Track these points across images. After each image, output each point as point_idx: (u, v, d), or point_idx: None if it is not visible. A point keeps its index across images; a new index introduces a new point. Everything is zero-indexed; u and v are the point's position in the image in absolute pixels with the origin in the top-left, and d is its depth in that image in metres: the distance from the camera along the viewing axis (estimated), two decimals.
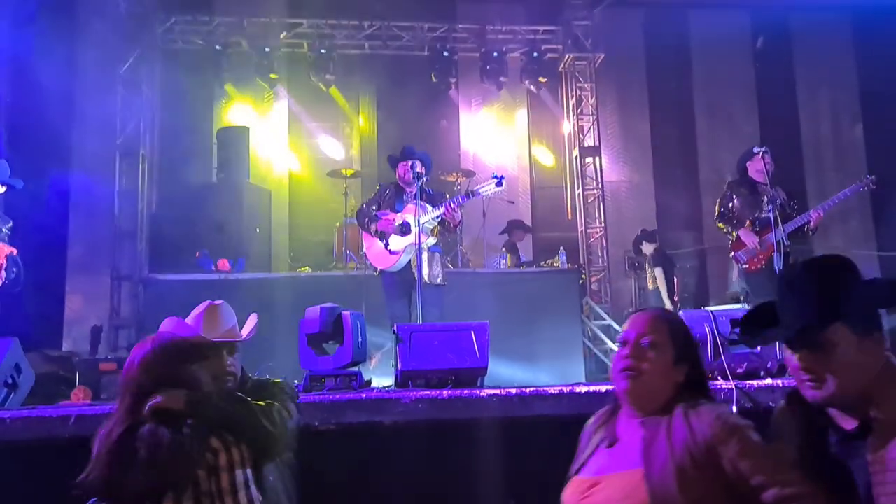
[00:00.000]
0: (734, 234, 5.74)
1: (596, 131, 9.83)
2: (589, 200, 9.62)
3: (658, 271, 8.51)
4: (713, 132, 10.62)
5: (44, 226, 9.45)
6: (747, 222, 5.68)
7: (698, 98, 10.76)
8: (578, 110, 9.90)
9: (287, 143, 9.73)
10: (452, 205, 5.05)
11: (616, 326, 8.33)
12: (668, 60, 10.59)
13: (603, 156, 9.92)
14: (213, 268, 7.01)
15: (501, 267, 7.38)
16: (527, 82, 9.93)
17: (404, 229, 4.98)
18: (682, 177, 10.51)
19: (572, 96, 9.95)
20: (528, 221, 9.92)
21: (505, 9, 10.21)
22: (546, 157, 10.22)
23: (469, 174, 8.28)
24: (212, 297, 6.68)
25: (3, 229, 5.23)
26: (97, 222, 9.35)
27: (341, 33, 9.71)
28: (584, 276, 7.54)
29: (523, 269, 7.34)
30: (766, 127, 10.75)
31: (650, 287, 8.26)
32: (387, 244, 5.09)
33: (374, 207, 5.32)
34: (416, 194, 4.94)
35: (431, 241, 5.13)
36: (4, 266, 4.96)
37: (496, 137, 10.10)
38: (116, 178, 9.17)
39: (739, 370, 4.04)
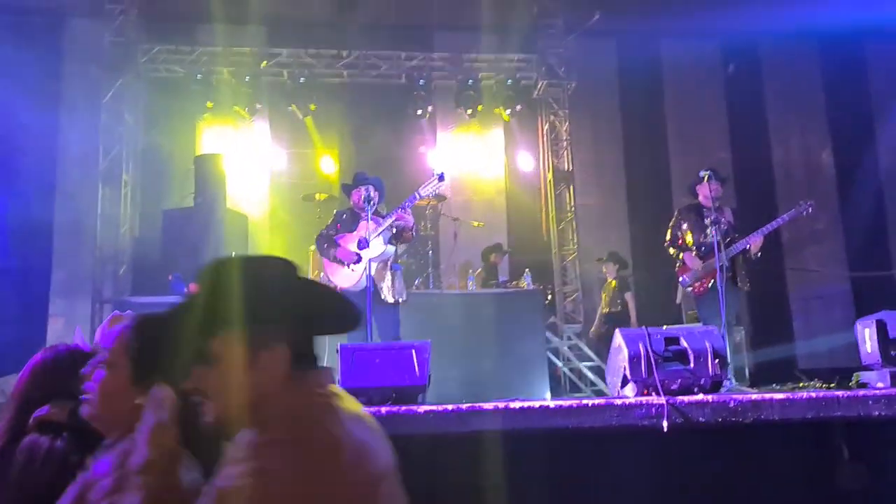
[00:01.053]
0: (680, 257, 5.94)
1: (569, 157, 10.06)
2: (562, 224, 9.84)
3: (629, 296, 8.71)
4: (686, 157, 10.81)
5: (28, 251, 9.69)
6: (693, 247, 5.88)
7: (671, 124, 10.99)
8: (552, 136, 10.15)
9: (268, 168, 9.95)
10: (401, 209, 5.21)
11: (582, 346, 8.55)
12: (640, 87, 10.82)
13: (577, 180, 10.15)
14: (186, 290, 7.17)
15: (470, 288, 7.58)
16: (502, 108, 10.17)
17: (361, 245, 5.15)
18: (656, 201, 10.68)
19: (546, 122, 10.21)
20: (504, 243, 10.14)
21: (481, 38, 10.45)
22: (521, 182, 10.43)
23: (440, 198, 8.51)
24: None
25: None
26: (80, 247, 9.56)
27: (320, 62, 9.98)
28: (550, 297, 7.73)
29: (489, 290, 7.52)
30: (738, 152, 10.97)
31: (614, 310, 8.46)
32: (347, 263, 5.25)
33: (332, 232, 5.49)
34: (368, 217, 5.10)
35: (390, 248, 5.28)
36: None
37: (472, 163, 10.32)
38: (99, 204, 9.40)
39: (673, 386, 4.20)
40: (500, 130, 10.46)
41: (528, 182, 10.42)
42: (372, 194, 5.44)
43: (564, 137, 10.11)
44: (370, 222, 5.12)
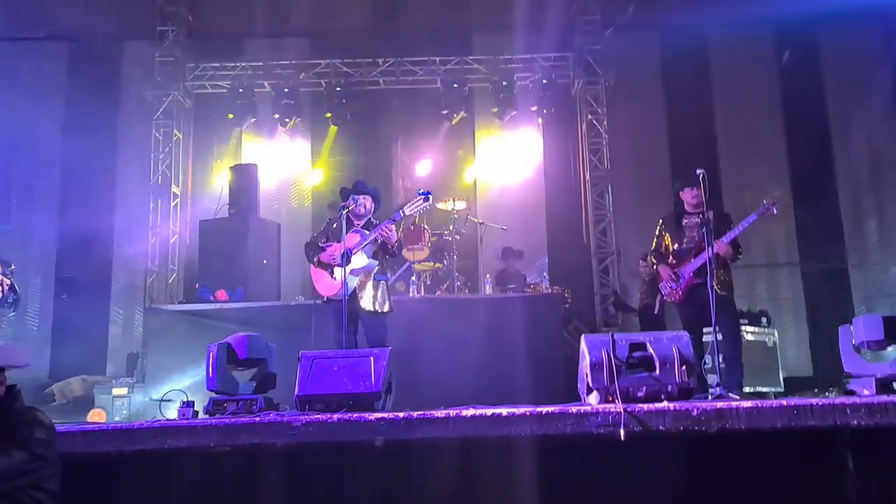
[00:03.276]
0: (656, 268, 5.75)
1: (607, 156, 9.84)
2: (600, 226, 9.63)
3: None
4: (736, 153, 10.37)
5: (92, 262, 10.31)
6: (671, 256, 5.67)
7: (721, 118, 10.52)
8: (591, 134, 9.94)
9: (307, 177, 10.23)
10: (386, 226, 5.27)
11: None
12: (686, 81, 10.44)
13: (617, 180, 9.90)
14: (211, 298, 7.45)
15: (486, 292, 7.53)
16: (539, 108, 10.05)
17: (346, 256, 5.22)
18: (707, 198, 10.27)
19: (584, 121, 10.01)
20: (544, 245, 10.02)
21: (517, 38, 10.33)
22: (560, 182, 10.26)
23: (467, 202, 8.50)
24: (203, 324, 7.12)
25: (7, 272, 5.76)
26: (136, 257, 10.08)
27: (357, 71, 10.16)
28: (568, 300, 7.58)
29: (499, 295, 7.45)
30: (794, 144, 10.43)
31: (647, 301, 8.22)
32: (331, 272, 5.36)
33: (322, 240, 5.60)
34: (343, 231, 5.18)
35: (373, 262, 5.34)
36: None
37: (510, 164, 10.25)
38: (150, 216, 9.91)
39: (639, 394, 4.06)
40: (539, 131, 10.32)
41: (567, 183, 10.24)
42: (368, 205, 5.54)
43: (603, 136, 9.88)
44: (347, 235, 5.20)
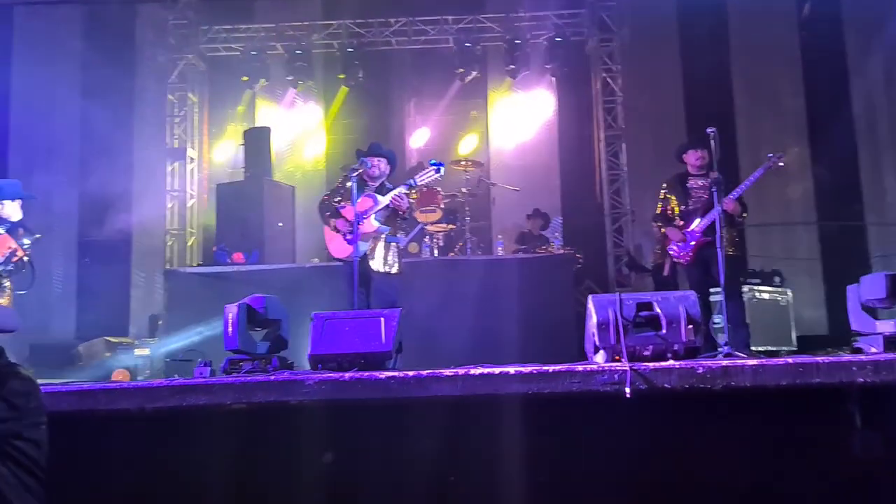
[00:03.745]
0: (663, 231, 5.75)
1: (622, 114, 9.76)
2: (615, 185, 9.60)
3: None
4: (754, 109, 10.25)
5: (112, 227, 10.45)
6: (677, 218, 5.66)
7: (738, 74, 10.37)
8: (605, 93, 9.86)
9: (320, 140, 10.26)
10: (398, 193, 5.34)
11: None
12: (703, 36, 10.25)
13: (632, 139, 9.83)
14: (228, 260, 7.57)
15: (498, 254, 7.58)
16: (553, 67, 9.97)
17: (357, 220, 5.28)
18: (721, 157, 10.19)
19: (598, 80, 9.91)
20: (557, 206, 10.02)
21: None
22: (574, 142, 10.22)
23: (478, 164, 8.50)
24: (221, 286, 7.24)
25: (27, 241, 5.79)
26: (155, 221, 10.21)
27: (369, 31, 10.10)
28: (581, 260, 7.61)
29: (509, 256, 7.50)
30: (813, 100, 10.26)
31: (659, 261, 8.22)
32: (345, 235, 5.43)
33: (336, 199, 5.66)
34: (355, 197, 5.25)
35: (384, 227, 5.42)
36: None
37: (524, 124, 10.20)
38: (167, 180, 10.01)
39: (646, 352, 4.10)
40: (552, 90, 10.25)
41: (581, 142, 10.18)
42: (382, 168, 5.59)
43: (618, 94, 9.79)
44: (360, 199, 5.26)
